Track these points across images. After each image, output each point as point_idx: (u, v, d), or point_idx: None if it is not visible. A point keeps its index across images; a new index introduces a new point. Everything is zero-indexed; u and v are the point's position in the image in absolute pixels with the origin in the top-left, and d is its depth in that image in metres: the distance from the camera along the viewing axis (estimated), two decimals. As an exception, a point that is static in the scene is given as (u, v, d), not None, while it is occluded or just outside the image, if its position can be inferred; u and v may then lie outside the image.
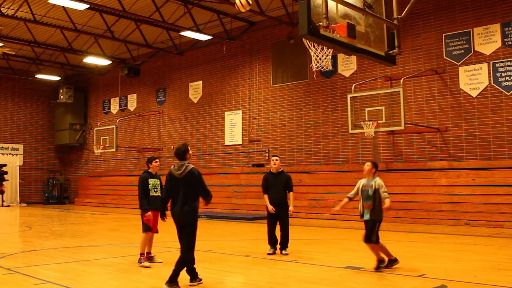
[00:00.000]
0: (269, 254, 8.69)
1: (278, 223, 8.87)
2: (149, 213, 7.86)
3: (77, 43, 22.59)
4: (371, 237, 7.07)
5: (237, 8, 9.26)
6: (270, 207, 8.82)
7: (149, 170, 8.10)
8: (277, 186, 8.91)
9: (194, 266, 6.32)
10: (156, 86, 24.34)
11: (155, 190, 7.98)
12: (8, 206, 17.26)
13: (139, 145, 24.57)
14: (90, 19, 19.44)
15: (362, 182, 7.37)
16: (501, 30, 14.19)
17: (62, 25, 19.82)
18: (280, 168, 9.14)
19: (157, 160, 8.29)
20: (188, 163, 6.38)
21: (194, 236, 6.25)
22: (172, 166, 6.48)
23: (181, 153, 6.46)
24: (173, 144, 23.08)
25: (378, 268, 7.11)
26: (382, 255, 7.23)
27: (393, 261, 7.27)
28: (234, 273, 7.36)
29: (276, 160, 9.09)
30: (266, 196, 8.95)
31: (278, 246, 8.84)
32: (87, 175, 27.81)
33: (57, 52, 23.88)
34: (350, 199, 7.46)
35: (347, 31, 5.44)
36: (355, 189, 7.43)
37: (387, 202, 7.10)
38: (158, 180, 8.08)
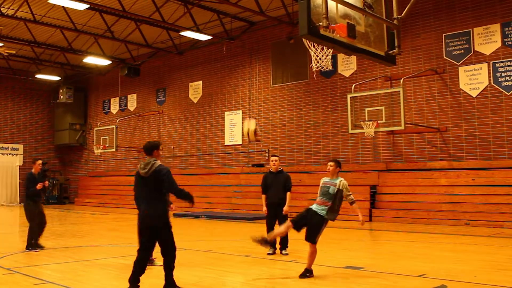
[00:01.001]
0: (269, 254, 8.69)
1: (277, 223, 8.86)
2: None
3: (77, 43, 22.59)
4: (316, 237, 6.72)
5: (245, 135, 8.86)
6: (264, 209, 8.88)
7: None
8: (276, 185, 8.92)
9: (171, 274, 5.90)
10: (156, 86, 24.34)
11: None
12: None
13: (139, 145, 24.54)
14: (90, 19, 19.43)
15: (324, 179, 7.25)
16: (501, 30, 14.19)
17: (62, 25, 19.82)
18: (280, 168, 9.15)
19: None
20: (155, 160, 5.86)
21: (171, 237, 5.83)
22: (139, 165, 6.00)
23: (148, 148, 5.93)
24: (173, 144, 23.09)
25: (303, 276, 6.70)
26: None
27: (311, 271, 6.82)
28: (234, 273, 7.36)
29: (276, 160, 9.12)
30: (264, 197, 8.99)
31: (278, 246, 8.84)
32: (87, 175, 27.81)
33: (57, 52, 23.87)
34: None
35: (347, 31, 5.43)
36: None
37: (360, 214, 7.00)
38: None
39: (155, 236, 5.84)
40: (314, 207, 6.93)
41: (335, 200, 6.89)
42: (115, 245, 10.62)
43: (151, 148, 5.91)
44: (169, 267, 5.84)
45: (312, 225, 6.77)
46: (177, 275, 6.97)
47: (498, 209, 13.32)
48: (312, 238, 6.73)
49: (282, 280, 6.74)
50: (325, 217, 6.80)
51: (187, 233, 13.14)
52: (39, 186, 9.29)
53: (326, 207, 6.84)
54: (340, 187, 6.99)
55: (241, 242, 10.80)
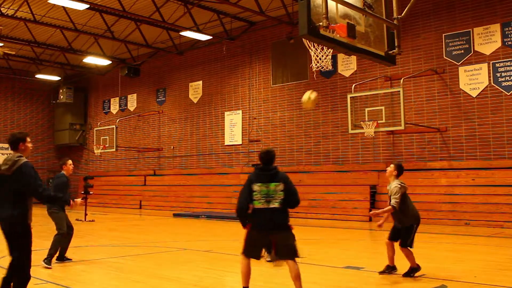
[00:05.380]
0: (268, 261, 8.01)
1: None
2: None
3: (77, 43, 22.58)
4: (405, 241, 6.73)
5: (306, 102, 7.74)
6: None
7: None
8: None
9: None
10: (156, 86, 24.33)
11: None
12: (93, 221, 16.14)
13: (139, 145, 24.57)
14: (90, 19, 19.43)
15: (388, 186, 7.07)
16: (501, 30, 14.19)
17: (62, 25, 19.82)
18: None
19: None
20: (20, 156, 4.92)
21: (26, 248, 4.80)
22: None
23: (13, 141, 5.04)
24: (173, 144, 23.08)
25: (407, 275, 6.73)
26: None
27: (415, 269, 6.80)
28: (234, 273, 7.35)
29: None
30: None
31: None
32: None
33: (57, 52, 23.87)
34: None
35: (347, 31, 5.43)
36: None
37: (382, 215, 7.01)
38: None
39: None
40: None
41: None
42: (115, 245, 10.62)
43: (16, 142, 5.02)
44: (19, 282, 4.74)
45: (402, 232, 6.82)
46: (177, 275, 6.99)
47: (498, 209, 13.32)
48: (402, 243, 6.76)
49: (282, 280, 6.73)
50: (407, 225, 6.76)
51: (187, 233, 13.15)
52: (80, 202, 8.14)
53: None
54: (388, 193, 6.91)
55: (241, 242, 10.79)
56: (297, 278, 5.32)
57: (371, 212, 7.17)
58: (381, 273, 6.90)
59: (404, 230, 6.77)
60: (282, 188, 5.44)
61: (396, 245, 6.84)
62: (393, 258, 6.89)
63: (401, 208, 6.71)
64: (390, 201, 6.77)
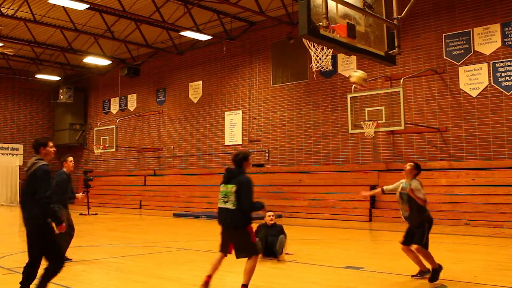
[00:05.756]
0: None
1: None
2: None
3: (77, 43, 22.58)
4: (419, 241, 6.40)
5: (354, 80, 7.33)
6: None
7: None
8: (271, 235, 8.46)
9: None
10: (156, 86, 24.33)
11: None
12: (96, 214, 15.89)
13: (139, 145, 24.56)
14: (90, 19, 19.43)
15: (401, 183, 6.95)
16: (501, 30, 14.19)
17: (62, 25, 19.82)
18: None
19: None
20: (39, 159, 5.25)
21: (47, 243, 5.20)
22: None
23: (35, 146, 5.35)
24: (173, 144, 23.08)
25: (432, 280, 6.35)
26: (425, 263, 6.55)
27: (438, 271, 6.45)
28: (234, 273, 7.36)
29: (272, 215, 8.55)
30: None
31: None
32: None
33: (57, 52, 23.87)
34: (383, 191, 7.27)
35: (347, 31, 5.43)
36: (393, 186, 7.11)
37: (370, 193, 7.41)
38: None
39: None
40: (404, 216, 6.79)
41: (410, 203, 6.62)
42: (115, 245, 10.62)
43: (38, 146, 5.33)
44: (46, 276, 5.25)
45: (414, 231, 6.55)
46: (177, 275, 6.99)
47: (498, 209, 13.32)
48: (415, 242, 6.43)
49: (282, 280, 6.73)
50: (421, 222, 6.49)
51: (187, 233, 13.15)
52: (81, 197, 7.84)
53: (407, 213, 6.64)
54: (398, 189, 6.86)
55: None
56: (246, 271, 5.73)
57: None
58: (413, 276, 6.58)
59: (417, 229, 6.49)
60: (234, 190, 5.77)
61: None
62: (420, 261, 6.55)
63: (418, 207, 6.57)
64: (401, 197, 6.75)
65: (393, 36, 6.42)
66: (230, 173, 5.94)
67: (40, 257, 5.23)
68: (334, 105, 17.60)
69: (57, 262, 5.27)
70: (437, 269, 6.39)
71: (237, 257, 5.92)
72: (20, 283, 5.26)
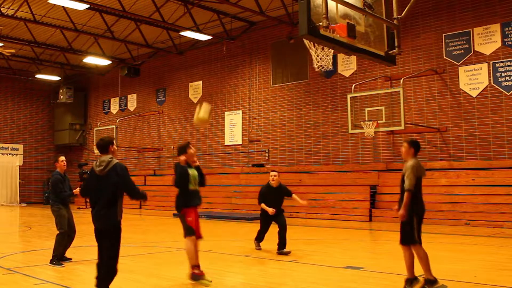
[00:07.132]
0: (257, 248, 9.12)
1: (271, 224, 9.02)
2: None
3: (77, 43, 22.59)
4: (413, 238, 5.89)
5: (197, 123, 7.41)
6: (271, 210, 8.81)
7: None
8: (276, 199, 8.98)
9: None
10: (156, 86, 24.34)
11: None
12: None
13: (139, 145, 24.57)
14: (90, 19, 19.43)
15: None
16: (501, 30, 14.19)
17: (62, 25, 19.82)
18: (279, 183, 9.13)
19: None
20: (111, 157, 5.44)
21: (117, 244, 5.40)
22: (94, 162, 5.56)
23: (103, 145, 5.51)
24: (173, 144, 23.08)
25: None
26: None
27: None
28: (234, 273, 7.36)
29: (275, 175, 9.02)
30: (263, 204, 8.94)
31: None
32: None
33: (57, 52, 23.87)
34: None
35: (347, 31, 5.44)
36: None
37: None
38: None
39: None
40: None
41: (402, 187, 5.96)
42: (115, 245, 10.60)
43: (106, 145, 5.52)
44: (107, 275, 5.35)
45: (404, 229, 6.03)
46: (177, 275, 6.99)
47: (498, 209, 13.32)
48: (410, 241, 5.89)
49: (282, 280, 6.73)
50: (410, 217, 5.99)
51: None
52: (77, 191, 7.65)
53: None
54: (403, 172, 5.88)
55: (241, 242, 10.80)
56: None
57: (399, 212, 6.21)
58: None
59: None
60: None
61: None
62: (413, 266, 6.01)
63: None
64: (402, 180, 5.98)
65: (393, 36, 6.42)
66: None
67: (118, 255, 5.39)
68: (334, 105, 17.60)
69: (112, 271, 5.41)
70: (432, 280, 5.73)
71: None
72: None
